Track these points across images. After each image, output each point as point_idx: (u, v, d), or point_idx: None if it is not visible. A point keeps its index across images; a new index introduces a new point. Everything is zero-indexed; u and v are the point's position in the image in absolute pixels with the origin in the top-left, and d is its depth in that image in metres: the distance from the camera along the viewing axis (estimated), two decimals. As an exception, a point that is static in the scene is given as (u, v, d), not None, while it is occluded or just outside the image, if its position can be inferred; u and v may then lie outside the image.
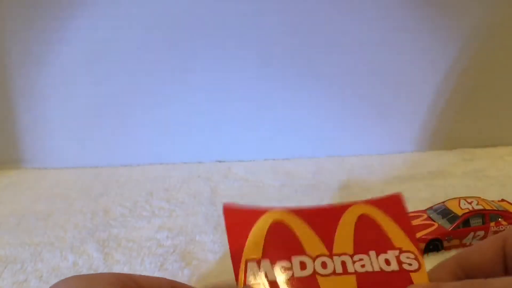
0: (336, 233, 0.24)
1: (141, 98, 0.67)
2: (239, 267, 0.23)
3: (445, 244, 0.41)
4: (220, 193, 0.58)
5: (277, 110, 0.67)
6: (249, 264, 0.23)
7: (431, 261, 0.26)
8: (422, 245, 0.41)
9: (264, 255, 0.23)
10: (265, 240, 0.24)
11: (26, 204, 0.57)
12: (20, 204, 0.57)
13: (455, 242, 0.42)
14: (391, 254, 0.24)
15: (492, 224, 0.42)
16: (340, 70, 0.65)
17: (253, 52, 0.63)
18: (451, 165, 0.63)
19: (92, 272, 0.41)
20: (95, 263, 0.43)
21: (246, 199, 0.56)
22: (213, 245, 0.45)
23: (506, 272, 0.24)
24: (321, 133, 0.68)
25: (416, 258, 0.24)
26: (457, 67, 0.64)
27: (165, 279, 0.24)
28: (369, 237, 0.24)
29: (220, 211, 0.52)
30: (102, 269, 0.42)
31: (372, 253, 0.24)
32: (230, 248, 0.23)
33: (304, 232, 0.24)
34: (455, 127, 0.68)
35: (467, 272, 0.24)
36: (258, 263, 0.23)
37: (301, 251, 0.24)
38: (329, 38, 0.63)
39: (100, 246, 0.46)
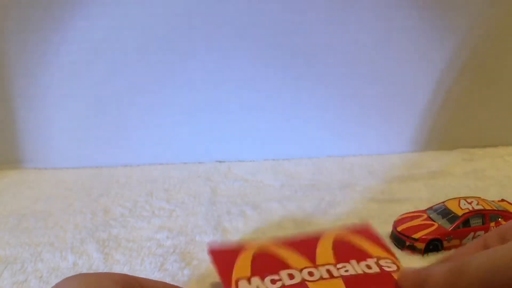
0: (317, 252, 0.26)
1: (141, 98, 0.67)
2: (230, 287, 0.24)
3: (445, 244, 0.41)
4: (220, 193, 0.58)
5: (277, 110, 0.67)
6: (240, 282, 0.24)
7: (431, 261, 0.26)
8: (422, 245, 0.41)
9: (253, 273, 0.25)
10: (252, 263, 0.25)
11: (26, 204, 0.57)
12: (20, 204, 0.57)
13: (455, 242, 0.42)
14: (370, 261, 0.26)
15: (492, 224, 0.42)
16: (340, 70, 0.65)
17: (253, 52, 0.63)
18: (451, 165, 0.63)
19: (92, 272, 0.41)
20: (95, 263, 0.43)
21: (246, 199, 0.56)
22: (213, 245, 0.45)
23: None
24: (321, 133, 0.68)
25: (394, 262, 0.26)
26: (457, 66, 0.64)
27: (170, 285, 0.25)
28: (347, 251, 0.26)
29: (220, 211, 0.52)
30: (102, 269, 0.42)
31: (353, 261, 0.26)
32: (220, 276, 0.25)
33: (287, 253, 0.26)
34: (455, 127, 0.68)
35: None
36: (248, 280, 0.24)
37: (287, 266, 0.25)
38: (329, 39, 0.63)
39: (100, 246, 0.46)
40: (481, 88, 0.66)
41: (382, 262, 0.26)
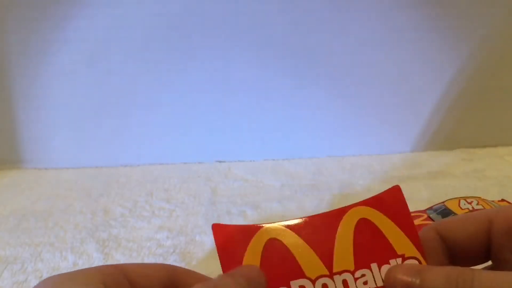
0: (335, 247, 0.23)
1: (141, 98, 0.67)
2: None
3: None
4: (220, 193, 0.58)
5: (277, 110, 0.67)
6: None
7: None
8: None
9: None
10: (261, 263, 0.22)
11: (26, 204, 0.57)
12: (20, 204, 0.57)
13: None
14: (393, 263, 0.22)
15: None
16: (341, 70, 0.65)
17: (253, 52, 0.63)
18: (451, 165, 0.63)
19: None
20: (95, 263, 0.43)
21: (246, 199, 0.56)
22: (213, 245, 0.45)
23: (487, 253, 0.23)
24: (321, 133, 0.68)
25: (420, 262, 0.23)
26: (457, 67, 0.64)
27: (162, 265, 0.23)
28: (369, 246, 0.23)
29: (220, 211, 0.52)
30: (102, 269, 0.42)
31: (374, 265, 0.22)
32: (223, 270, 0.22)
33: (301, 251, 0.23)
34: (455, 127, 0.68)
35: (447, 244, 0.24)
36: None
37: (299, 274, 0.22)
38: (330, 38, 0.63)
39: (100, 246, 0.46)
40: (481, 88, 0.66)
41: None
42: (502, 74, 0.65)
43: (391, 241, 0.23)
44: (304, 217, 0.23)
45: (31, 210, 0.55)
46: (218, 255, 0.22)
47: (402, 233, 0.23)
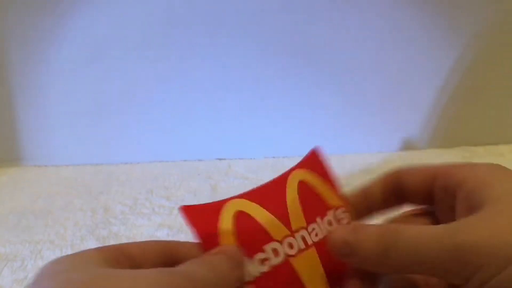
0: (288, 209, 0.26)
1: (141, 96, 0.67)
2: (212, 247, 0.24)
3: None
4: (220, 190, 0.58)
5: (278, 108, 0.67)
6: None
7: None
8: None
9: (240, 245, 0.24)
10: (235, 236, 0.24)
11: (26, 201, 0.57)
12: (20, 202, 0.57)
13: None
14: (330, 215, 0.27)
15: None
16: (341, 68, 0.64)
17: (253, 50, 0.63)
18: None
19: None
20: (95, 260, 0.43)
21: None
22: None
23: (432, 201, 0.26)
24: (321, 131, 0.68)
25: (346, 211, 0.27)
26: (458, 65, 0.64)
27: (157, 242, 0.24)
28: (311, 203, 0.27)
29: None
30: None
31: (318, 219, 0.26)
32: (204, 246, 0.23)
33: (264, 217, 0.25)
34: (456, 125, 0.68)
35: (398, 195, 0.27)
36: None
37: (269, 238, 0.25)
38: (331, 36, 0.63)
39: (100, 244, 0.46)
40: (482, 86, 0.66)
41: (338, 214, 0.27)
42: (504, 72, 0.65)
43: (324, 196, 0.27)
44: (256, 187, 0.27)
45: (31, 207, 0.55)
46: (196, 233, 0.24)
47: (329, 188, 0.28)
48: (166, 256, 0.23)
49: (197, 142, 0.69)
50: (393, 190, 0.27)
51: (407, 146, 0.69)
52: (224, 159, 0.69)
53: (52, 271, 0.18)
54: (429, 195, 0.26)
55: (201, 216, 0.25)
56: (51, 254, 0.44)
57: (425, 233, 0.21)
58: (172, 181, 0.62)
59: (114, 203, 0.55)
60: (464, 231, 0.20)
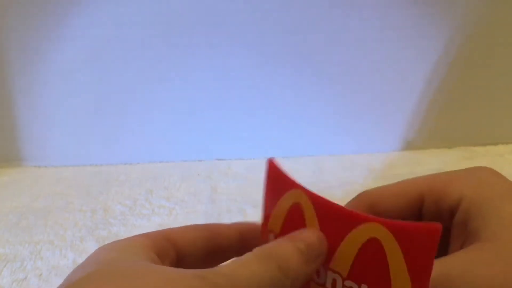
0: (339, 248, 0.21)
1: (141, 96, 0.67)
2: (266, 227, 0.23)
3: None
4: (220, 191, 0.58)
5: (277, 108, 0.67)
6: (269, 235, 0.23)
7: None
8: None
9: (280, 234, 0.22)
10: (284, 219, 0.22)
11: (25, 202, 0.57)
12: (19, 202, 0.57)
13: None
14: None
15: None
16: (340, 68, 0.64)
17: (253, 50, 0.63)
18: (451, 163, 0.63)
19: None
20: (95, 261, 0.43)
21: (246, 197, 0.55)
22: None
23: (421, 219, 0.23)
24: (321, 131, 0.68)
25: None
26: (458, 64, 0.64)
27: (201, 228, 0.22)
28: (368, 266, 0.20)
29: (220, 210, 0.52)
30: (102, 267, 0.42)
31: (364, 286, 0.20)
32: (265, 201, 0.23)
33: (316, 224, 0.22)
34: (455, 125, 0.68)
35: (378, 212, 0.23)
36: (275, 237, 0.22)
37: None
38: (329, 36, 0.63)
39: (100, 244, 0.46)
40: (482, 86, 0.66)
41: None
42: (504, 72, 0.65)
43: (391, 272, 0.20)
44: (326, 199, 0.22)
45: (31, 208, 0.55)
46: (265, 191, 0.23)
47: (406, 271, 0.19)
48: (210, 242, 0.22)
49: (197, 143, 0.69)
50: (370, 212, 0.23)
51: (407, 146, 0.69)
52: (224, 159, 0.69)
53: (102, 258, 0.18)
54: (417, 217, 0.23)
55: (276, 180, 0.23)
56: (51, 255, 0.44)
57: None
58: (172, 182, 0.62)
59: (114, 204, 0.55)
60: (456, 268, 0.18)
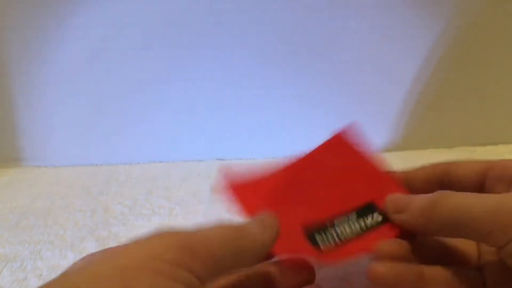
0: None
1: (141, 96, 0.67)
2: None
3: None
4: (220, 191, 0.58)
5: (278, 108, 0.67)
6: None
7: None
8: None
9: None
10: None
11: (25, 202, 0.57)
12: (19, 202, 0.57)
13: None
14: None
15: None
16: (341, 68, 0.64)
17: (254, 50, 0.63)
18: (451, 163, 0.63)
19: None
20: (95, 261, 0.43)
21: (246, 197, 0.55)
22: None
23: (480, 191, 0.27)
24: (322, 131, 0.68)
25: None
26: (458, 64, 0.64)
27: (223, 233, 0.23)
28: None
29: (220, 210, 0.52)
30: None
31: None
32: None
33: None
34: (455, 125, 0.68)
35: (451, 181, 0.28)
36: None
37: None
38: (328, 36, 0.62)
39: (100, 244, 0.46)
40: (482, 86, 0.66)
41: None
42: (504, 72, 0.65)
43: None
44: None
45: (31, 208, 0.55)
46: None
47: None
48: (234, 247, 0.22)
49: (197, 143, 0.69)
50: (438, 180, 0.28)
51: (407, 146, 0.69)
52: (224, 159, 0.69)
53: (119, 270, 0.17)
54: (479, 185, 0.27)
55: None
56: (51, 255, 0.44)
57: (475, 196, 0.22)
58: (172, 182, 0.61)
59: (114, 204, 0.55)
60: (510, 199, 0.21)
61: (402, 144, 0.69)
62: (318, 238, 0.27)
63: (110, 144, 0.69)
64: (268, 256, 0.27)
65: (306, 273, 0.26)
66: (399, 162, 0.66)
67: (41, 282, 0.40)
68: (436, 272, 0.24)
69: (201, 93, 0.66)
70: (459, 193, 0.23)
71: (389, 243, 0.24)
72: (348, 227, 0.27)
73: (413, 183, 0.29)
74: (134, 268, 0.16)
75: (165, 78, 0.65)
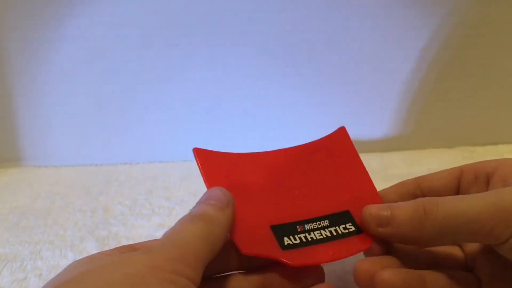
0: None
1: (141, 96, 0.67)
2: None
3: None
4: (220, 191, 0.58)
5: (278, 108, 0.67)
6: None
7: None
8: None
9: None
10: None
11: (25, 202, 0.57)
12: (19, 202, 0.57)
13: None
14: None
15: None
16: (341, 68, 0.64)
17: (254, 49, 0.63)
18: (451, 163, 0.63)
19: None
20: (95, 261, 0.43)
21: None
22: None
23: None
24: (322, 131, 0.68)
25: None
26: (458, 63, 0.64)
27: (193, 224, 0.24)
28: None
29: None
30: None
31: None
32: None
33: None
34: (455, 124, 0.68)
35: (424, 194, 0.29)
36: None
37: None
38: (328, 36, 0.62)
39: (100, 244, 0.46)
40: (482, 86, 0.66)
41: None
42: (504, 71, 0.65)
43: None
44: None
45: (31, 208, 0.55)
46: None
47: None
48: (210, 240, 0.24)
49: (197, 142, 0.69)
50: (410, 192, 0.29)
51: (407, 146, 0.69)
52: (224, 159, 0.69)
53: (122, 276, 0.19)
54: (455, 191, 0.27)
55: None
56: (51, 255, 0.44)
57: (463, 198, 0.22)
58: (172, 182, 0.61)
59: (114, 204, 0.55)
60: (508, 193, 0.21)
61: (402, 144, 0.69)
62: (286, 240, 0.26)
63: (110, 144, 0.69)
64: (244, 258, 0.27)
65: (315, 276, 0.27)
66: (399, 162, 0.66)
67: (41, 282, 0.40)
68: (435, 276, 0.24)
69: (200, 93, 0.66)
70: (446, 198, 0.22)
71: (389, 273, 0.23)
72: (318, 233, 0.26)
73: (388, 197, 0.30)
74: (143, 276, 0.19)
75: (164, 78, 0.65)
